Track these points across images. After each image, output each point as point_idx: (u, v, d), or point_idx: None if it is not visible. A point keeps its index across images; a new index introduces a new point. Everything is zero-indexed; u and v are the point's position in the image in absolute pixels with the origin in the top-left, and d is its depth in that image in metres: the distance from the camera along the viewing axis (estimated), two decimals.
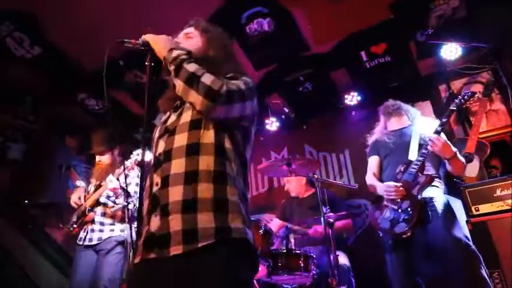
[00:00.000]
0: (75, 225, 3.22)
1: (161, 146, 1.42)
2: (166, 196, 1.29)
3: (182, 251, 1.20)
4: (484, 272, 2.36)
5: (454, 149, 2.71)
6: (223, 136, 1.39)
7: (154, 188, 1.34)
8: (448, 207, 2.64)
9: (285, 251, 3.09)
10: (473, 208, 2.84)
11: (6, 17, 3.64)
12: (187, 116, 1.42)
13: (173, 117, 1.49)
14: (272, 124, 5.17)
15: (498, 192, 2.78)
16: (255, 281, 3.21)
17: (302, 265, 2.97)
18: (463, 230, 2.57)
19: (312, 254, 3.09)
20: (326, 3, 3.58)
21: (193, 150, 1.34)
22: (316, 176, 3.28)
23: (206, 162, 1.32)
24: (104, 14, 3.46)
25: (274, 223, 4.08)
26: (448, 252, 2.45)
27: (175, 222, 1.24)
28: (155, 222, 1.29)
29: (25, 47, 3.92)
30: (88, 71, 4.27)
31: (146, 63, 1.48)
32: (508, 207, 2.68)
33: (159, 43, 1.48)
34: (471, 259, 2.38)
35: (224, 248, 1.22)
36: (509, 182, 2.76)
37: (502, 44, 3.84)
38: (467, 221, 2.80)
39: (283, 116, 5.20)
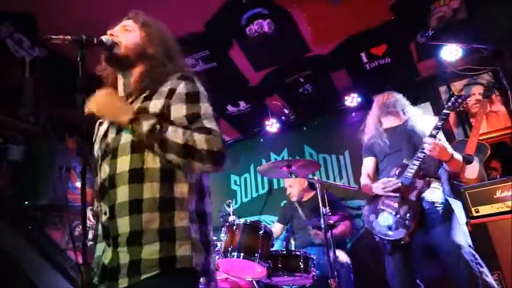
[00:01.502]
0: (91, 242, 3.20)
1: (104, 171, 1.34)
2: (115, 227, 1.25)
3: (127, 284, 1.19)
4: (489, 279, 2.35)
5: (451, 151, 2.68)
6: None
7: (103, 218, 1.30)
8: (450, 211, 2.60)
9: (284, 252, 3.10)
10: (473, 210, 2.83)
11: (7, 18, 3.65)
12: (127, 135, 1.31)
13: (112, 132, 1.38)
14: (272, 125, 5.17)
15: (498, 194, 2.77)
16: (254, 282, 3.21)
17: (302, 266, 2.98)
18: (465, 235, 2.55)
19: (312, 255, 3.09)
20: (326, 4, 3.58)
21: (136, 177, 1.26)
22: (316, 177, 3.28)
23: (151, 189, 1.25)
24: (105, 14, 3.47)
25: (276, 228, 4.07)
26: (451, 259, 2.43)
27: (123, 255, 1.22)
28: (108, 254, 1.27)
29: (25, 48, 3.92)
30: (88, 72, 4.27)
31: (78, 59, 1.38)
32: (508, 209, 2.68)
33: (110, 112, 1.35)
34: (473, 267, 2.35)
35: (167, 279, 1.20)
36: (509, 183, 2.76)
37: (502, 45, 3.84)
38: (466, 223, 2.79)
39: (283, 117, 5.20)
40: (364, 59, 4.30)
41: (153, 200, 1.24)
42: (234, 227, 3.04)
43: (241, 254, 2.86)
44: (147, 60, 1.46)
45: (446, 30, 3.77)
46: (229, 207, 3.80)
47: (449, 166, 2.73)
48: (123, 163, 1.29)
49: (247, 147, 5.57)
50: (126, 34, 1.48)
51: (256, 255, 2.86)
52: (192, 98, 1.37)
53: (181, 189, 1.29)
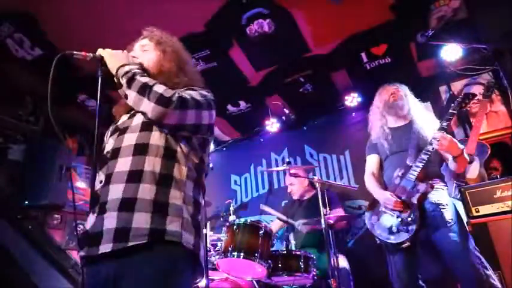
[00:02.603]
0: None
1: (110, 144, 1.41)
2: (106, 194, 1.28)
3: (111, 249, 1.19)
4: (495, 282, 2.34)
5: (461, 146, 2.63)
6: (176, 139, 1.39)
7: (98, 186, 1.34)
8: (455, 213, 2.58)
9: (285, 252, 3.10)
10: (473, 209, 2.83)
11: (7, 18, 3.65)
12: (139, 119, 1.42)
13: (124, 118, 1.50)
14: (272, 125, 5.17)
15: (498, 194, 2.77)
16: (255, 282, 3.21)
17: (302, 266, 2.98)
18: (470, 237, 2.52)
19: (312, 255, 3.09)
20: (326, 4, 3.58)
21: (140, 149, 1.33)
22: (316, 177, 3.28)
23: (152, 163, 1.32)
24: (105, 14, 3.47)
25: (275, 224, 4.09)
26: (457, 262, 2.42)
27: (110, 221, 1.23)
28: (91, 220, 1.28)
29: (25, 48, 3.92)
30: (88, 72, 4.28)
31: (99, 75, 1.48)
32: (508, 209, 2.68)
33: (113, 59, 1.49)
34: (480, 270, 2.34)
35: (155, 250, 1.21)
36: (510, 183, 2.75)
37: (502, 45, 3.83)
38: (467, 223, 2.79)
39: (283, 117, 5.20)
40: (364, 59, 4.31)
41: (153, 173, 1.30)
42: (234, 226, 3.04)
43: (242, 254, 2.86)
44: (163, 75, 1.55)
45: (446, 30, 3.77)
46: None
47: (457, 163, 2.64)
48: (131, 138, 1.37)
49: (247, 147, 5.57)
50: (145, 54, 1.62)
51: (256, 255, 2.86)
52: (188, 89, 1.48)
53: (181, 170, 1.36)
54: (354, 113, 4.85)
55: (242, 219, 3.18)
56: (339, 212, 3.67)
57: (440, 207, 2.57)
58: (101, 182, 1.33)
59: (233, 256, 2.87)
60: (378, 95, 3.18)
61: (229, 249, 2.91)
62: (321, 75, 4.59)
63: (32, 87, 4.53)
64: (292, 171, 3.58)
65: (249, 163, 5.41)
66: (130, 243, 1.18)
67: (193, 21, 3.67)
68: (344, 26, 3.90)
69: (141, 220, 1.21)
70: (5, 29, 3.71)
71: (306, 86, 4.71)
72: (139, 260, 1.19)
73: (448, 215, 2.53)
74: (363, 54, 4.26)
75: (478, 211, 2.81)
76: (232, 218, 3.70)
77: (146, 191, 1.26)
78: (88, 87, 4.67)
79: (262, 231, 2.99)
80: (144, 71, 1.51)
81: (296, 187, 4.05)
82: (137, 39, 1.69)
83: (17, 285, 3.75)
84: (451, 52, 3.94)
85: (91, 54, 1.49)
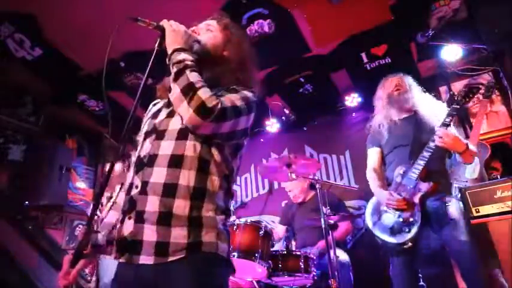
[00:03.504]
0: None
1: (146, 148, 1.38)
2: (144, 203, 1.27)
3: (152, 262, 1.21)
4: (500, 278, 2.34)
5: (465, 141, 2.57)
6: (210, 149, 1.36)
7: (134, 191, 1.32)
8: (459, 210, 2.55)
9: (285, 252, 3.10)
10: (473, 209, 2.82)
11: (7, 18, 3.65)
12: (177, 122, 1.37)
13: (163, 115, 1.43)
14: (272, 125, 5.18)
15: (498, 194, 2.76)
16: (255, 282, 3.21)
17: (302, 266, 2.98)
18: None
19: (312, 255, 3.09)
20: (326, 4, 3.58)
21: (176, 162, 1.30)
22: (316, 178, 3.27)
23: (187, 177, 1.29)
24: (105, 14, 3.47)
25: (279, 230, 4.07)
26: (462, 258, 2.41)
27: (149, 232, 1.23)
28: (129, 226, 1.28)
29: (25, 48, 3.93)
30: (88, 72, 4.28)
31: (156, 46, 1.41)
32: (509, 209, 2.67)
33: (173, 35, 1.41)
34: (484, 266, 2.35)
35: (193, 260, 1.22)
36: (510, 183, 2.75)
37: (502, 45, 3.84)
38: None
39: (283, 118, 5.20)
40: (365, 59, 4.31)
41: (187, 188, 1.28)
42: (235, 227, 3.03)
43: (242, 254, 2.86)
44: (220, 64, 1.50)
45: (446, 30, 3.77)
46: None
47: (463, 158, 2.58)
48: (167, 147, 1.33)
49: (247, 147, 5.51)
50: (207, 33, 1.55)
51: (256, 255, 2.86)
52: (231, 90, 1.42)
53: (214, 182, 1.34)
54: (354, 113, 4.85)
55: (242, 220, 3.16)
56: (347, 224, 3.70)
57: (444, 205, 2.54)
58: (136, 187, 1.32)
59: (233, 256, 2.87)
60: (382, 86, 3.08)
61: (230, 249, 2.91)
62: (321, 76, 4.59)
63: (32, 87, 4.54)
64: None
65: (249, 163, 5.41)
66: (170, 259, 1.21)
67: (194, 21, 3.67)
68: (344, 26, 3.90)
69: (179, 235, 1.23)
70: (5, 29, 3.72)
71: (306, 86, 4.71)
72: (179, 269, 1.21)
73: (453, 212, 2.52)
74: (363, 55, 4.26)
75: (478, 211, 2.81)
76: (232, 218, 3.69)
77: (181, 206, 1.26)
78: (88, 88, 4.67)
79: (262, 232, 2.99)
80: (200, 53, 1.45)
81: (295, 192, 4.00)
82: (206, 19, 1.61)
83: (17, 285, 3.75)
84: (451, 52, 3.94)
85: (155, 23, 1.42)
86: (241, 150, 1.53)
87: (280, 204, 4.62)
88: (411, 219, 2.55)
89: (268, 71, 4.48)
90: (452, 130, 2.65)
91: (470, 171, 3.31)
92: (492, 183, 2.87)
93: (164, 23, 1.43)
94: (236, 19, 3.75)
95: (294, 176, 3.20)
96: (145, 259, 1.22)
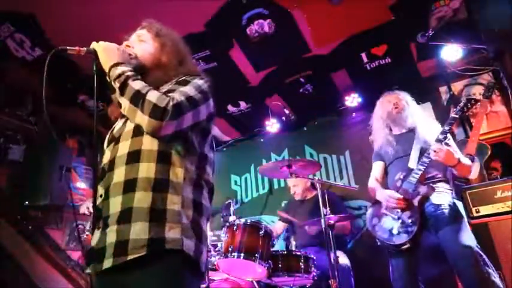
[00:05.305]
0: (87, 233, 3.20)
1: (106, 156, 1.37)
2: (108, 207, 1.25)
3: (111, 264, 1.16)
4: (497, 279, 2.34)
5: (457, 156, 2.67)
6: (170, 141, 1.31)
7: (99, 200, 1.30)
8: (457, 213, 2.58)
9: (285, 252, 3.10)
10: (473, 210, 2.84)
11: (7, 18, 3.65)
12: (131, 124, 1.35)
13: (119, 124, 1.43)
14: (272, 125, 5.17)
15: (499, 194, 2.78)
16: (255, 282, 3.21)
17: (302, 266, 2.98)
18: (472, 237, 2.53)
19: (312, 255, 3.09)
20: (326, 4, 3.58)
21: (134, 158, 1.28)
22: (316, 178, 3.28)
23: (146, 169, 1.25)
24: (105, 14, 3.47)
25: (278, 226, 4.09)
26: (459, 260, 2.41)
27: (111, 235, 1.20)
28: (96, 235, 1.26)
29: (26, 48, 3.92)
30: (88, 72, 4.27)
31: (94, 70, 1.43)
32: (509, 209, 2.68)
33: (105, 54, 1.41)
34: (482, 268, 2.34)
35: (156, 261, 1.17)
36: (510, 183, 2.76)
37: (502, 45, 3.83)
38: (468, 222, 2.79)
39: (283, 118, 5.20)
40: (365, 59, 4.31)
41: (148, 179, 1.24)
42: (235, 227, 3.04)
43: (242, 254, 2.86)
44: (160, 69, 1.51)
45: (446, 30, 3.77)
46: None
47: (456, 171, 2.70)
48: (124, 147, 1.32)
49: (247, 147, 5.56)
50: (141, 45, 1.55)
51: (256, 255, 2.86)
52: (181, 82, 1.42)
53: (177, 173, 1.29)
54: (354, 113, 4.84)
55: (242, 220, 3.16)
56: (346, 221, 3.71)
57: (442, 207, 2.58)
58: (101, 196, 1.30)
59: (233, 256, 2.87)
60: (380, 104, 3.24)
61: (230, 249, 2.91)
62: (321, 76, 4.59)
63: (32, 87, 4.53)
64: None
65: (249, 163, 5.41)
66: (129, 257, 1.15)
67: (193, 21, 3.67)
68: (344, 26, 3.90)
69: (139, 230, 1.17)
70: (5, 29, 3.71)
71: (306, 86, 4.71)
72: (142, 272, 1.16)
73: (450, 214, 2.54)
74: (363, 55, 4.26)
75: (478, 211, 2.82)
76: (232, 218, 3.69)
77: (142, 199, 1.21)
78: (88, 88, 4.67)
79: (262, 232, 2.99)
80: (138, 67, 1.45)
81: (299, 188, 4.05)
82: (136, 29, 1.62)
83: (17, 285, 3.75)
84: (451, 52, 3.94)
85: (85, 49, 1.43)
86: (209, 137, 1.48)
87: (280, 205, 4.62)
88: (410, 221, 2.59)
89: (268, 71, 4.48)
90: (450, 141, 2.79)
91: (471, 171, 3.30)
92: (492, 183, 2.89)
93: (93, 45, 1.45)
94: (236, 19, 3.78)
95: (294, 177, 3.23)
96: (106, 263, 1.18)
